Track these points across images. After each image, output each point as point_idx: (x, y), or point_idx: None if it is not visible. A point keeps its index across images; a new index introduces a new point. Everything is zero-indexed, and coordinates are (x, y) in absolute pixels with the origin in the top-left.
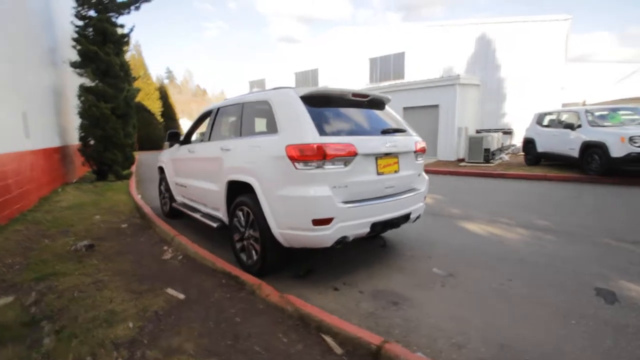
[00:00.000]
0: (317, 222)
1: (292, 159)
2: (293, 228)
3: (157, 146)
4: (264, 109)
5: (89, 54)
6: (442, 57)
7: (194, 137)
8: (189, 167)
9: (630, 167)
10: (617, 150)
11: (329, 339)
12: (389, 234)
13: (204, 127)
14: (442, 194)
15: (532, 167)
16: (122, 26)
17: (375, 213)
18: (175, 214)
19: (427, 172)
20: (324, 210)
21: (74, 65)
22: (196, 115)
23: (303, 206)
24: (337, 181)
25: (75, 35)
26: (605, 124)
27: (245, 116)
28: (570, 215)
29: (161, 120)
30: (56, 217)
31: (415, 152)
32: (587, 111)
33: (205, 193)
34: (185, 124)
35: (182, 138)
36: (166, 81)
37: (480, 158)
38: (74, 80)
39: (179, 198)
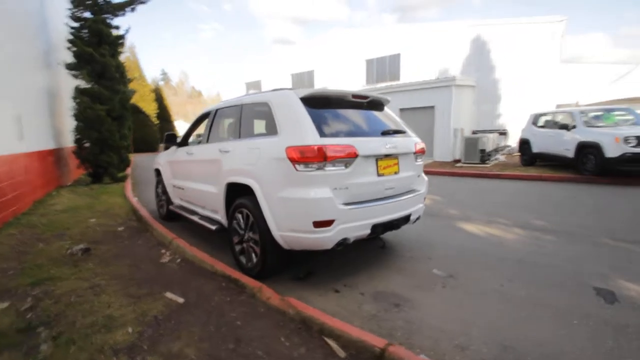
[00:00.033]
0: (318, 224)
1: (293, 161)
2: (294, 230)
3: (152, 148)
4: (264, 111)
5: (84, 56)
6: (437, 58)
7: (191, 139)
8: (187, 169)
9: (625, 167)
10: (612, 150)
11: (331, 342)
12: (388, 235)
13: (201, 129)
14: (440, 195)
15: (528, 168)
16: (117, 27)
17: (376, 214)
18: (173, 216)
19: (424, 172)
20: (325, 212)
21: (69, 67)
22: (192, 117)
23: (304, 208)
24: (337, 183)
25: (71, 37)
26: (600, 124)
27: (244, 118)
28: (567, 215)
29: (156, 122)
30: (51, 220)
31: (414, 153)
32: (581, 112)
33: (203, 195)
34: (180, 126)
35: (179, 140)
36: (161, 83)
37: (476, 159)
38: (69, 82)
39: (176, 200)
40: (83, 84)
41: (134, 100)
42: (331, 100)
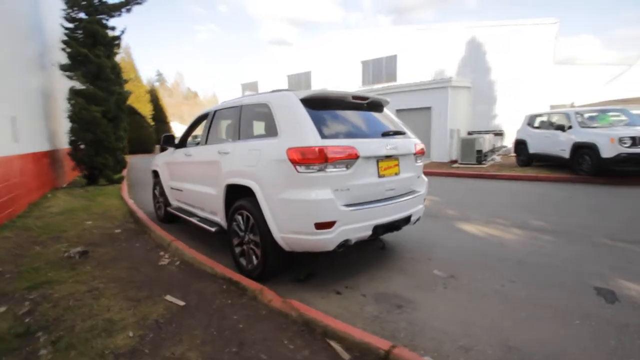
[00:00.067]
0: (320, 226)
1: (294, 162)
2: (295, 232)
3: (148, 149)
4: (263, 112)
5: (79, 57)
6: (433, 59)
7: (189, 140)
8: (185, 170)
9: (620, 167)
10: (607, 150)
11: (335, 345)
12: (388, 236)
13: (198, 131)
14: (438, 196)
15: (524, 168)
16: (113, 28)
17: (377, 216)
18: (170, 218)
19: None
20: (327, 214)
21: (63, 68)
22: (188, 119)
23: (305, 210)
24: (339, 184)
25: (65, 38)
26: (595, 125)
27: (244, 119)
28: (565, 216)
29: (152, 123)
30: (47, 223)
31: (414, 154)
32: (577, 113)
33: (202, 197)
34: (176, 127)
35: (177, 141)
36: (157, 84)
37: (473, 159)
38: (64, 84)
39: (174, 202)
40: (78, 85)
41: (130, 101)
42: (331, 102)
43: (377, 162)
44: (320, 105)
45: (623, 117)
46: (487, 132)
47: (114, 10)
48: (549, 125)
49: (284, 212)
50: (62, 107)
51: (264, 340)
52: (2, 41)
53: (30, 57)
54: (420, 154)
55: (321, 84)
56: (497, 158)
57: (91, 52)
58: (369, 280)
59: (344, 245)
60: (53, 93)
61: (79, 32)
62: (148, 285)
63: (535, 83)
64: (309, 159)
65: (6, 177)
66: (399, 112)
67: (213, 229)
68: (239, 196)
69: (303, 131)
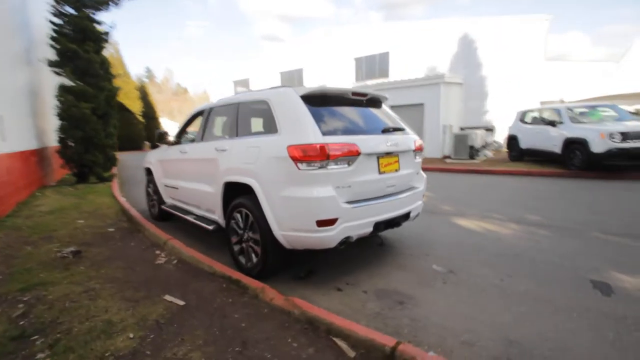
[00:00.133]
0: (321, 223)
1: (295, 160)
2: (296, 229)
3: (138, 146)
4: (262, 109)
5: (68, 53)
6: (425, 56)
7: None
8: (181, 168)
9: (610, 162)
10: (598, 146)
11: (340, 342)
12: (386, 232)
13: (193, 127)
14: (433, 191)
15: (516, 163)
16: (100, 23)
17: (378, 212)
18: (164, 216)
19: None
20: (328, 211)
21: (51, 64)
22: (179, 115)
23: (307, 207)
24: (340, 181)
25: (53, 34)
26: (585, 120)
27: (242, 116)
28: (559, 210)
29: (142, 119)
30: (37, 222)
31: (414, 150)
32: (568, 108)
33: (199, 195)
34: (165, 123)
35: (172, 138)
36: (146, 80)
37: (465, 155)
38: (52, 80)
39: (168, 200)
40: (67, 81)
41: (119, 98)
42: (331, 98)
43: (378, 158)
44: (320, 102)
45: (613, 113)
46: (478, 127)
47: (102, 4)
48: (541, 120)
49: (285, 210)
50: (50, 104)
51: (267, 339)
52: None
53: (17, 53)
54: (419, 150)
55: (314, 81)
56: (488, 153)
57: (80, 47)
58: (369, 276)
59: (346, 242)
60: (41, 90)
61: (68, 27)
62: (145, 285)
63: (527, 79)
64: (310, 156)
65: None
66: (392, 108)
67: (210, 227)
68: (237, 194)
69: (304, 128)
